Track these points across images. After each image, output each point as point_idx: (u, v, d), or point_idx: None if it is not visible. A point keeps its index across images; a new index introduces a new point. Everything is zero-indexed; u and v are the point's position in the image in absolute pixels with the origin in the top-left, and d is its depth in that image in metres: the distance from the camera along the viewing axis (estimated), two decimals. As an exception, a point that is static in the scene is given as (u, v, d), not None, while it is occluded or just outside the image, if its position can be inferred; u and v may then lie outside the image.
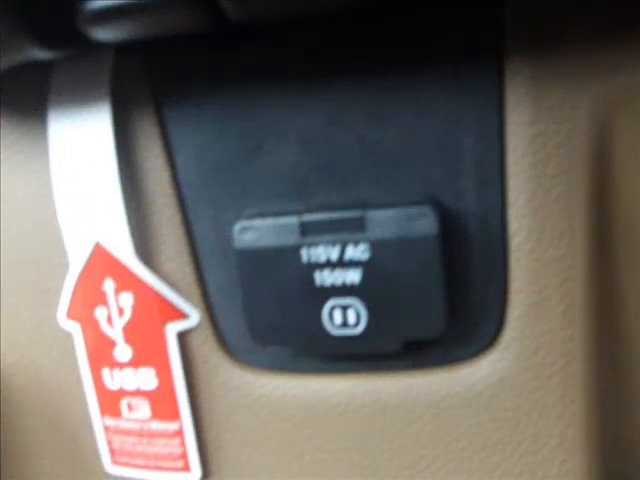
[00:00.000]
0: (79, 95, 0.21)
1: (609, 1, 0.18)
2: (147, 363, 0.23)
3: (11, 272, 0.25)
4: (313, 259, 0.20)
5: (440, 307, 0.20)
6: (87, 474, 0.26)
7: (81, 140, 0.21)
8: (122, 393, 0.24)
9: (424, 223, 0.19)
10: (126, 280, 0.22)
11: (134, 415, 0.24)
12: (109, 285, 0.23)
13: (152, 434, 0.24)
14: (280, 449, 0.23)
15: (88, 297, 0.23)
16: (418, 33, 0.20)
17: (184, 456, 0.24)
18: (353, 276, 0.20)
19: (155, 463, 0.24)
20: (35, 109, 0.23)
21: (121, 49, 0.22)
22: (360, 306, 0.21)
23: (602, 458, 0.21)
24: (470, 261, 0.21)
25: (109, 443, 0.25)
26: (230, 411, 0.23)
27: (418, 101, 0.20)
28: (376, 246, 0.20)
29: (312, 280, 0.21)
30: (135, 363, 0.23)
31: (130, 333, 0.23)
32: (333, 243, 0.20)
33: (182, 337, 0.23)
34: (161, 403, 0.23)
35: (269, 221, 0.21)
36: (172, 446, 0.24)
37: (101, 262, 0.22)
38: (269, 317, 0.21)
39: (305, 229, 0.20)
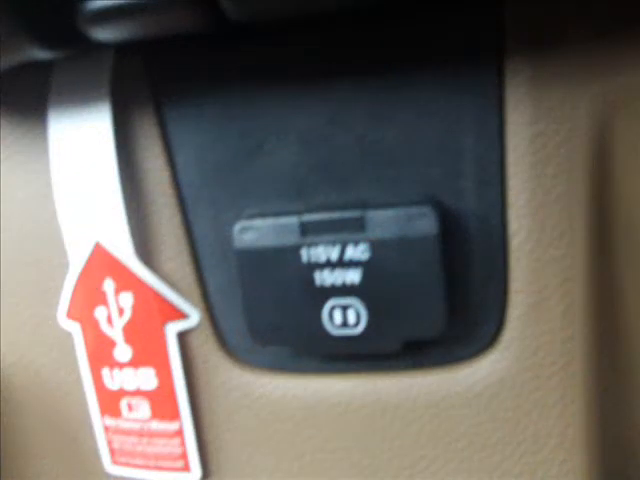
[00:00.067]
0: (79, 95, 0.21)
1: (609, 1, 0.18)
2: (147, 363, 0.23)
3: (11, 272, 0.25)
4: (313, 259, 0.20)
5: (440, 307, 0.20)
6: (87, 474, 0.26)
7: (81, 140, 0.21)
8: (122, 393, 0.24)
9: (424, 223, 0.19)
10: (126, 280, 0.22)
11: (134, 415, 0.24)
12: (109, 285, 0.23)
13: (152, 434, 0.24)
14: (280, 449, 0.23)
15: (88, 297, 0.23)
16: (418, 33, 0.19)
17: (184, 456, 0.24)
18: (353, 276, 0.20)
19: (155, 463, 0.24)
20: (35, 109, 0.23)
21: (121, 49, 0.22)
22: (360, 306, 0.21)
23: (602, 458, 0.21)
24: (470, 261, 0.21)
25: (109, 443, 0.25)
26: (230, 411, 0.23)
27: (418, 101, 0.20)
28: (376, 246, 0.20)
29: (312, 280, 0.21)
30: (135, 363, 0.23)
31: (130, 333, 0.23)
32: (333, 243, 0.20)
33: (182, 337, 0.23)
34: (161, 403, 0.23)
35: (269, 221, 0.21)
36: (172, 446, 0.24)
37: (101, 262, 0.22)
38: (269, 317, 0.21)
39: (305, 229, 0.20)
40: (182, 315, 0.23)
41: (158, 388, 0.23)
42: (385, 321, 0.20)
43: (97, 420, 0.24)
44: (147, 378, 0.23)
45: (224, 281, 0.22)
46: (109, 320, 0.23)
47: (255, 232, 0.21)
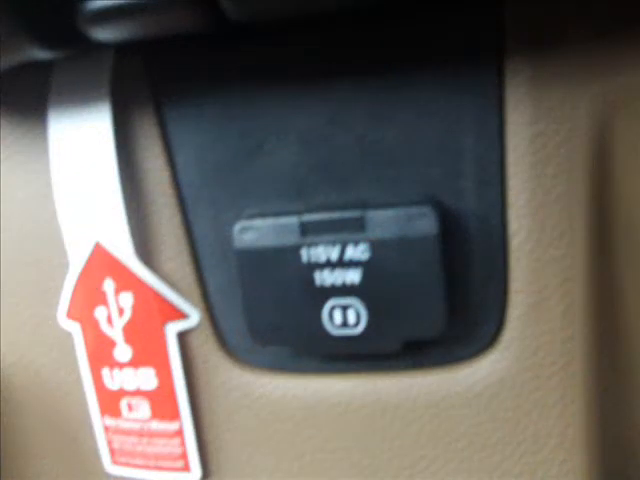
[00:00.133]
0: (79, 95, 0.21)
1: (609, 1, 0.18)
2: (147, 363, 0.23)
3: (11, 272, 0.25)
4: (313, 259, 0.20)
5: (440, 307, 0.20)
6: (87, 474, 0.26)
7: (81, 140, 0.21)
8: (122, 393, 0.24)
9: (424, 223, 0.19)
10: (126, 280, 0.22)
11: (134, 415, 0.24)
12: (109, 285, 0.23)
13: (152, 434, 0.24)
14: (280, 449, 0.23)
15: (88, 297, 0.23)
16: (418, 33, 0.19)
17: (184, 456, 0.24)
18: (353, 276, 0.20)
19: (155, 463, 0.24)
20: (35, 109, 0.23)
21: (121, 49, 0.22)
22: (360, 306, 0.21)
23: (602, 458, 0.21)
24: (470, 261, 0.21)
25: (109, 443, 0.25)
26: (230, 411, 0.23)
27: (418, 101, 0.20)
28: (376, 246, 0.20)
29: (312, 280, 0.21)
30: (135, 363, 0.23)
31: (130, 333, 0.23)
32: (333, 243, 0.20)
33: (182, 337, 0.23)
34: (161, 403, 0.23)
35: (269, 221, 0.21)
36: (172, 446, 0.24)
37: (101, 262, 0.22)
38: (269, 317, 0.21)
39: (305, 229, 0.20)
40: (182, 315, 0.23)
41: (158, 388, 0.23)
42: (385, 321, 0.20)
43: (97, 420, 0.24)
44: (147, 378, 0.23)
45: (224, 281, 0.22)
46: (109, 320, 0.23)
47: (255, 232, 0.21)
